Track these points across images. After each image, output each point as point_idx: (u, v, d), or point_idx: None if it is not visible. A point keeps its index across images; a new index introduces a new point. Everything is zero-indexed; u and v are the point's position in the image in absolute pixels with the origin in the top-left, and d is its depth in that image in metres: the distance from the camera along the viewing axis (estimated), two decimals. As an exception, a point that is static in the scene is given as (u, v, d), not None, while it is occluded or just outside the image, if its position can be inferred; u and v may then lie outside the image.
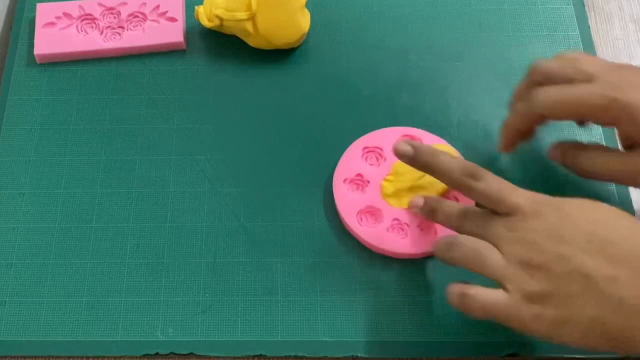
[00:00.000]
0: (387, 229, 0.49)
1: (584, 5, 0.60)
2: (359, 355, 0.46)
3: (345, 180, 0.51)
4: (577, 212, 0.38)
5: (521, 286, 0.37)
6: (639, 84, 0.41)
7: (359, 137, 0.53)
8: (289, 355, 0.46)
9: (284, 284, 0.48)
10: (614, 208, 0.38)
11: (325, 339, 0.47)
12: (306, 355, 0.46)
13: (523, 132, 0.47)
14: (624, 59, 0.59)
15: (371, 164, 0.51)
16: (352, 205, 0.50)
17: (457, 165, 0.43)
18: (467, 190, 0.42)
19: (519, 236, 0.38)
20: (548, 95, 0.43)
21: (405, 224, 0.49)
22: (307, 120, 0.55)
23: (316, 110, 0.56)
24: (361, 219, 0.50)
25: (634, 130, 0.41)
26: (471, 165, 0.43)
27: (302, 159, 0.53)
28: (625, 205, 0.51)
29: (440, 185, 0.48)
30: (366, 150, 0.52)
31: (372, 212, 0.50)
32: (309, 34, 0.58)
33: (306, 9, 0.57)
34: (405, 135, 0.52)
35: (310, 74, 0.57)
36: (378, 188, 0.50)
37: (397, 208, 0.49)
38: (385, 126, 0.53)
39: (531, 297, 0.37)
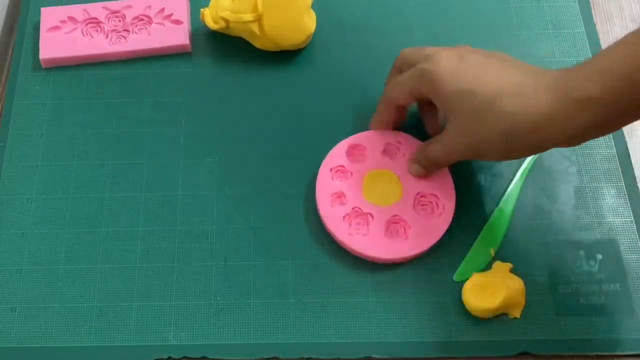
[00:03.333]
0: (384, 234, 0.49)
1: (589, 2, 0.60)
2: (372, 356, 0.46)
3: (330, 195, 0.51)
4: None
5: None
6: (450, 57, 0.45)
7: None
8: (302, 357, 0.46)
9: (295, 286, 0.48)
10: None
11: (337, 341, 0.47)
12: (319, 357, 0.46)
13: (387, 121, 0.51)
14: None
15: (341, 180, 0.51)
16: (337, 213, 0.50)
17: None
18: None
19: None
20: (389, 84, 0.49)
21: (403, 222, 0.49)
22: (314, 121, 0.55)
23: (323, 110, 0.55)
24: (350, 225, 0.49)
25: (435, 95, 0.45)
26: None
27: (310, 159, 0.53)
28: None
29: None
30: (333, 170, 0.51)
31: (360, 215, 0.50)
32: (314, 35, 0.57)
33: (312, 10, 0.57)
34: (388, 143, 0.52)
35: (317, 75, 0.57)
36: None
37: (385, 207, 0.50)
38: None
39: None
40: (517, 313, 0.47)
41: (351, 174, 0.51)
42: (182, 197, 0.52)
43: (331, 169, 0.51)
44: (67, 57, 0.57)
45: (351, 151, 0.52)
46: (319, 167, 0.51)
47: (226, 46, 0.58)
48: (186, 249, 0.50)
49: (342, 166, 0.51)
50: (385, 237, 0.49)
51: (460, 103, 0.43)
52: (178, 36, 0.57)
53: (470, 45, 0.47)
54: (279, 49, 0.57)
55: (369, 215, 0.49)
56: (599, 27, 0.59)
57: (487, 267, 0.48)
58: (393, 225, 0.49)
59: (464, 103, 0.43)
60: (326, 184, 0.51)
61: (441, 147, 0.47)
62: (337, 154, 0.52)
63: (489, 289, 0.46)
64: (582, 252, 0.49)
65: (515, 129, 0.41)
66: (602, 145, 0.54)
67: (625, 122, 0.41)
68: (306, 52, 0.58)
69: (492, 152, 0.44)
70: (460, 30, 0.59)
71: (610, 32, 0.60)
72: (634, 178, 0.52)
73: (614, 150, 0.53)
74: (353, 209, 0.50)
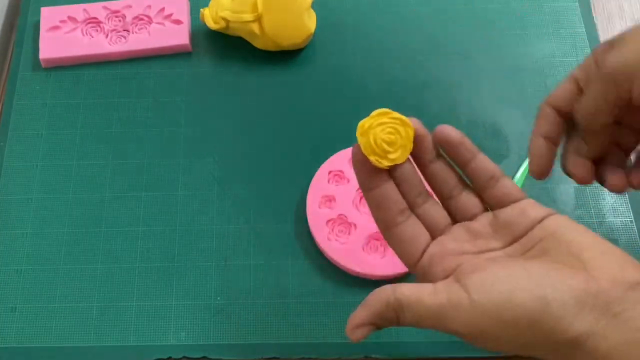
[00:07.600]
0: (362, 248, 0.48)
1: (589, 2, 0.60)
2: (371, 356, 0.46)
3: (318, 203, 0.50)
4: None
5: None
6: None
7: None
8: (302, 357, 0.46)
9: (295, 286, 0.48)
10: None
11: (337, 341, 0.46)
12: (319, 357, 0.46)
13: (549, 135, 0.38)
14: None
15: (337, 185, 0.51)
16: (322, 217, 0.49)
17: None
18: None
19: None
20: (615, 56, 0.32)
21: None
22: (314, 120, 0.55)
23: (323, 110, 0.55)
24: (332, 230, 0.49)
25: None
26: None
27: (310, 159, 0.53)
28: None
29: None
30: (331, 174, 0.51)
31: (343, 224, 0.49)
32: (315, 34, 0.57)
33: (312, 10, 0.57)
34: None
35: (317, 74, 0.57)
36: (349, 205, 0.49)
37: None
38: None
39: None
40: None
41: (348, 181, 0.51)
42: (182, 197, 0.52)
43: (330, 172, 0.51)
44: (67, 57, 0.57)
45: None
46: (318, 165, 0.51)
47: (226, 46, 0.58)
48: (186, 248, 0.50)
49: (342, 171, 0.51)
50: (362, 251, 0.48)
51: None
52: (178, 36, 0.57)
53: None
54: (279, 49, 0.57)
55: (352, 226, 0.49)
56: (599, 27, 0.59)
57: None
58: (374, 242, 0.49)
59: None
60: (320, 185, 0.50)
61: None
62: (340, 159, 0.51)
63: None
64: (582, 252, 0.49)
65: None
66: (602, 145, 0.54)
67: None
68: (306, 52, 0.58)
69: None
70: (461, 30, 0.59)
71: (611, 32, 0.60)
72: (634, 178, 0.52)
73: (614, 150, 0.53)
74: (339, 215, 0.49)
